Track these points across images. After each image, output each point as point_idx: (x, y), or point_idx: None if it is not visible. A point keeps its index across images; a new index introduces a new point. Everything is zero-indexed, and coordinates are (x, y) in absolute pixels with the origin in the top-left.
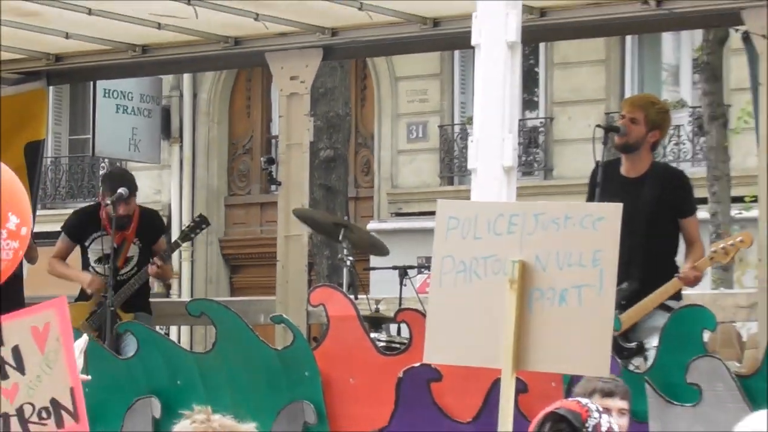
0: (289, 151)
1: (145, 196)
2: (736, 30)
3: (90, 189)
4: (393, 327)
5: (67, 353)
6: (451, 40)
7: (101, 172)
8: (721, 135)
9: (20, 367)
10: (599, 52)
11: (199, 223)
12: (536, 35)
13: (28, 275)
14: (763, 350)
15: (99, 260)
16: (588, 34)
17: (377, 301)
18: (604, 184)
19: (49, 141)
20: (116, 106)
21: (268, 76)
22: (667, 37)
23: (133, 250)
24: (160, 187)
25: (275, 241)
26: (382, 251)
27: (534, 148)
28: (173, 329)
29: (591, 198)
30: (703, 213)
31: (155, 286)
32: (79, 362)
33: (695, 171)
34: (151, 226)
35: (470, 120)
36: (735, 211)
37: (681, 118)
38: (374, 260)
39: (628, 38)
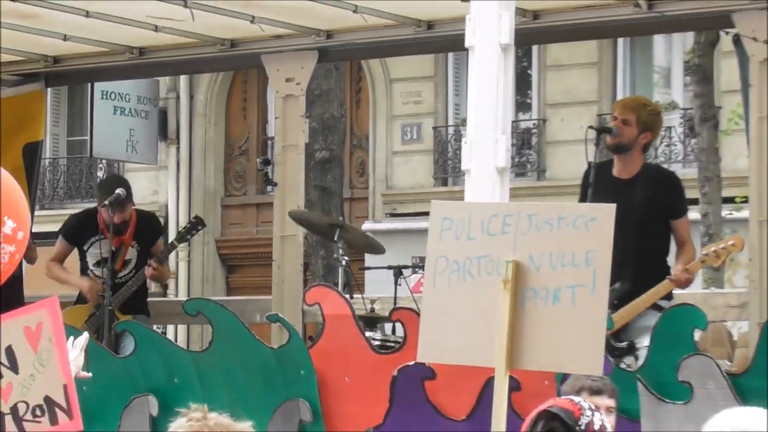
0: (284, 152)
1: (142, 197)
2: (727, 33)
3: (88, 190)
4: (388, 326)
5: (60, 352)
6: (444, 42)
7: (99, 173)
8: (712, 136)
9: (14, 367)
10: (591, 55)
11: (195, 224)
12: (529, 38)
13: (27, 275)
14: (754, 349)
15: (98, 264)
16: (580, 36)
17: (372, 301)
18: (597, 185)
19: (48, 142)
20: (114, 108)
21: (264, 78)
22: (658, 40)
23: (131, 253)
24: (157, 187)
25: (271, 241)
26: (379, 250)
27: (527, 150)
28: (170, 328)
29: (583, 199)
30: (694, 214)
31: (152, 286)
32: (80, 360)
33: (686, 172)
34: (148, 228)
35: (464, 121)
36: (726, 212)
37: (672, 120)
38: (369, 260)
39: (620, 41)
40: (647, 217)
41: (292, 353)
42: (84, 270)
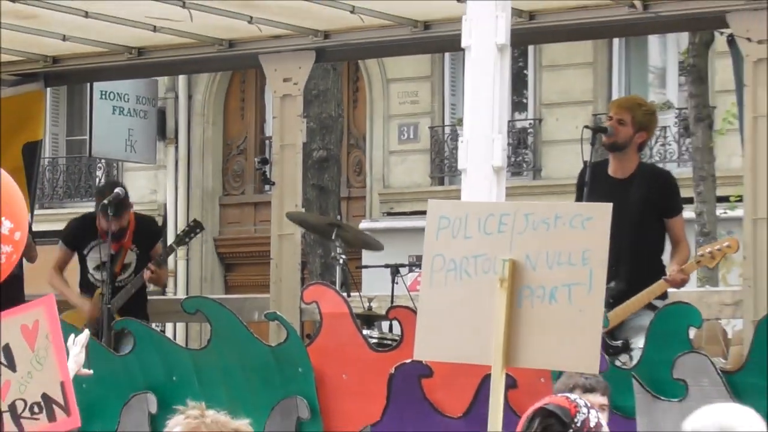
0: (282, 151)
1: (141, 196)
2: (722, 33)
3: (87, 189)
4: (385, 324)
5: (57, 349)
6: (441, 42)
7: (98, 173)
8: (707, 136)
9: (11, 365)
10: (587, 55)
11: (194, 227)
12: (525, 38)
13: (27, 274)
14: (748, 347)
15: (97, 267)
16: (576, 37)
17: (369, 299)
18: (592, 184)
19: (47, 142)
20: (113, 108)
21: (262, 77)
22: (653, 40)
23: (131, 257)
24: (155, 187)
25: (269, 239)
26: (377, 247)
27: (523, 149)
28: (169, 326)
29: (579, 198)
30: (688, 213)
31: (151, 287)
32: (81, 357)
33: (681, 171)
34: (147, 232)
35: (460, 121)
36: (720, 211)
37: (667, 120)
38: (366, 258)
39: (616, 41)
40: (642, 216)
41: (290, 351)
42: (84, 274)
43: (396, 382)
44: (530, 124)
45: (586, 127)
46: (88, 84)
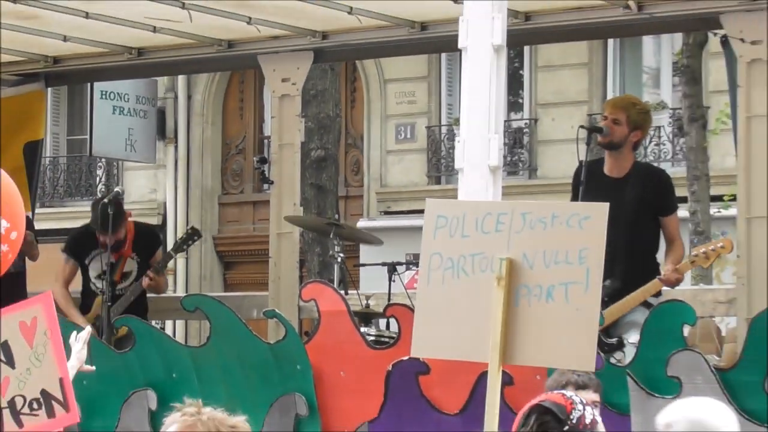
0: (281, 151)
1: (141, 195)
2: (715, 34)
3: (87, 188)
4: (382, 322)
5: (55, 346)
6: (438, 43)
7: (98, 172)
8: (701, 136)
9: (10, 361)
10: (582, 56)
11: (191, 235)
12: (521, 39)
13: (29, 271)
14: (742, 344)
15: (99, 276)
16: (571, 37)
17: (367, 297)
18: (588, 182)
19: (48, 141)
20: (113, 108)
21: (261, 78)
22: (647, 41)
23: (131, 265)
24: (155, 186)
25: (267, 238)
26: (376, 242)
27: (519, 149)
28: (168, 323)
29: (575, 197)
30: (683, 212)
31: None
32: (83, 353)
33: (675, 171)
34: (147, 241)
35: (457, 121)
36: (714, 210)
37: (661, 120)
38: (364, 257)
39: (610, 42)
40: (638, 215)
41: (288, 348)
42: (86, 283)
43: (393, 379)
44: (526, 123)
45: (582, 127)
46: (89, 84)
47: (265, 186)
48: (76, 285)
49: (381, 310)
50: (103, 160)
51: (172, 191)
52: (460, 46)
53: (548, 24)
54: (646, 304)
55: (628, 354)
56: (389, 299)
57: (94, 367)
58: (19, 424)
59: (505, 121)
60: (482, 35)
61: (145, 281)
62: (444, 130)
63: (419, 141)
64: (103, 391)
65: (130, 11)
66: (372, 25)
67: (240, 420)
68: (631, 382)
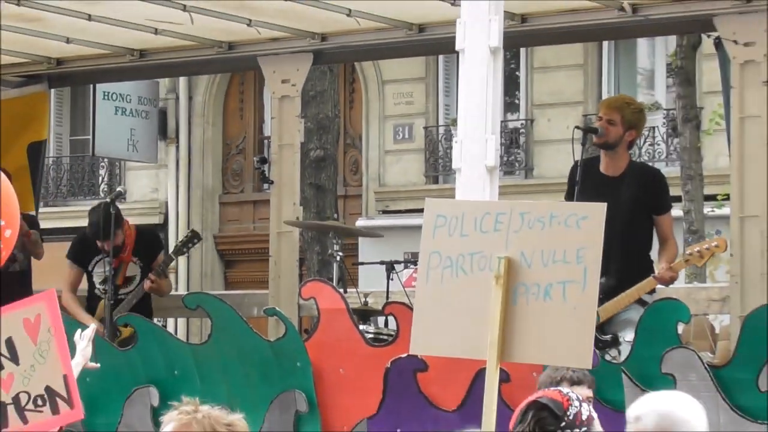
0: (280, 151)
1: (142, 195)
2: (709, 36)
3: (90, 188)
4: (381, 319)
5: (59, 343)
6: (436, 45)
7: (101, 171)
8: (694, 136)
9: (14, 358)
10: (577, 57)
11: (191, 237)
12: (517, 40)
13: (34, 270)
14: (735, 342)
15: (103, 281)
16: (567, 39)
17: (366, 295)
18: (584, 181)
19: (51, 141)
20: (115, 108)
21: (261, 79)
22: (642, 43)
23: (134, 270)
24: (157, 185)
25: (268, 237)
26: (376, 235)
27: (515, 149)
28: (170, 321)
29: (570, 196)
30: (677, 211)
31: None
32: (88, 351)
33: (669, 171)
34: (148, 244)
35: (454, 122)
36: (707, 209)
37: (656, 120)
38: (363, 255)
39: (605, 44)
40: (633, 215)
41: (288, 346)
42: (91, 288)
43: (392, 376)
44: (522, 124)
45: (577, 127)
46: (91, 85)
47: (265, 185)
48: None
49: (380, 308)
50: (105, 160)
51: (173, 191)
52: (457, 47)
53: (544, 26)
54: (641, 302)
55: (624, 351)
56: (387, 297)
57: (98, 365)
58: (24, 420)
59: (501, 122)
60: (479, 37)
61: (147, 284)
62: (441, 130)
63: (417, 141)
64: (105, 387)
65: (132, 13)
66: (370, 27)
67: (237, 418)
68: (626, 379)
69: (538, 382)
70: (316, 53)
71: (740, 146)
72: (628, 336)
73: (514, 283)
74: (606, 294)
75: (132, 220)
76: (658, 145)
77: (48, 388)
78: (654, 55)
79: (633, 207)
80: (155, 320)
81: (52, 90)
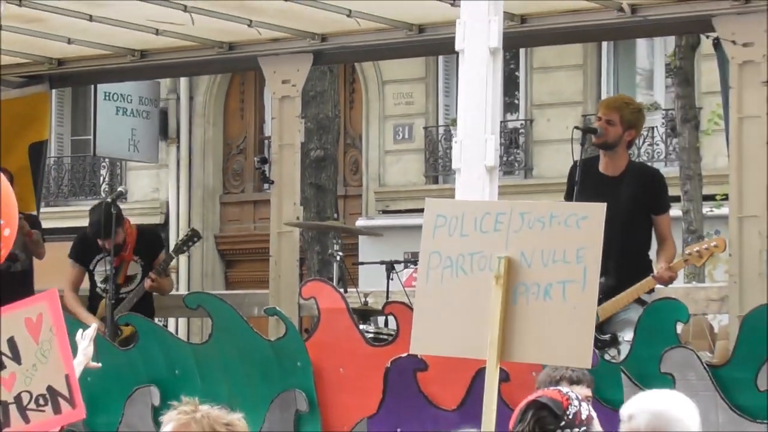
0: (281, 151)
1: (143, 195)
2: (707, 36)
3: (91, 187)
4: (381, 319)
5: (61, 342)
6: (435, 45)
7: (102, 171)
8: (693, 136)
9: (16, 357)
10: (577, 58)
11: (191, 236)
12: (517, 41)
13: (36, 270)
14: (734, 341)
15: (105, 280)
16: (566, 40)
17: (366, 295)
18: (583, 181)
19: (52, 141)
20: (116, 108)
21: (261, 79)
22: (641, 43)
23: (135, 268)
24: (158, 185)
25: (268, 237)
26: (376, 233)
27: (515, 149)
28: (171, 321)
29: (569, 195)
30: (675, 211)
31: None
32: (90, 350)
33: (668, 171)
34: (149, 244)
35: (454, 122)
36: (706, 209)
37: (655, 120)
38: (363, 255)
39: (605, 44)
40: (632, 214)
41: (288, 345)
42: (93, 288)
43: (392, 376)
44: (522, 124)
45: (576, 127)
46: (93, 85)
47: (266, 185)
48: (85, 290)
49: (379, 307)
50: (106, 160)
51: (174, 191)
52: (457, 48)
53: (543, 27)
54: (640, 302)
55: (623, 351)
56: (387, 297)
57: (100, 364)
58: (26, 419)
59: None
60: (479, 38)
61: (147, 283)
62: (441, 130)
63: (417, 141)
64: (106, 387)
65: (133, 14)
66: (370, 27)
67: (236, 417)
68: (625, 379)
69: (537, 381)
70: (317, 54)
71: (739, 146)
72: (627, 335)
73: (514, 283)
74: (605, 293)
75: (133, 220)
76: (657, 145)
77: (50, 388)
78: (653, 55)
79: (632, 207)
80: (156, 320)
81: (54, 90)
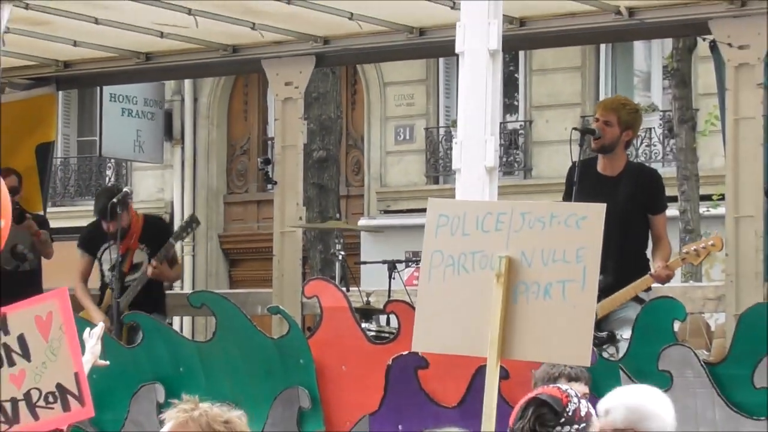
0: (284, 152)
1: (148, 195)
2: (704, 39)
3: (97, 188)
4: (382, 318)
5: (70, 340)
6: (436, 48)
7: (108, 172)
8: (690, 137)
9: (26, 355)
10: (575, 60)
11: (190, 222)
12: (516, 43)
13: (44, 269)
14: (730, 339)
15: (112, 268)
16: (565, 42)
17: (368, 293)
18: (582, 181)
19: (59, 142)
20: (121, 110)
21: (264, 81)
22: (639, 46)
23: (141, 256)
24: (163, 186)
25: (271, 236)
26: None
27: (514, 150)
28: (176, 319)
29: (568, 196)
30: (673, 211)
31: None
32: (97, 348)
33: (665, 171)
34: (155, 231)
35: (454, 123)
36: (703, 209)
37: (652, 122)
38: (365, 254)
39: (603, 47)
40: (630, 214)
41: (291, 343)
42: (102, 277)
43: (393, 373)
44: (521, 125)
45: (575, 128)
46: (98, 87)
47: (269, 186)
48: (95, 279)
49: (381, 306)
50: (112, 160)
51: (179, 191)
52: (457, 50)
53: (542, 29)
54: (637, 300)
55: (621, 349)
56: (389, 296)
57: (108, 362)
58: (35, 416)
59: (500, 123)
60: (478, 40)
61: (150, 270)
62: (442, 131)
63: (418, 142)
64: (112, 384)
65: (139, 17)
66: (372, 30)
67: (236, 415)
68: (623, 376)
69: (534, 378)
70: (319, 56)
71: (735, 147)
72: (625, 333)
73: (514, 282)
74: (603, 291)
75: None
76: (655, 146)
77: (59, 386)
78: (650, 57)
79: (630, 206)
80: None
81: (60, 92)
